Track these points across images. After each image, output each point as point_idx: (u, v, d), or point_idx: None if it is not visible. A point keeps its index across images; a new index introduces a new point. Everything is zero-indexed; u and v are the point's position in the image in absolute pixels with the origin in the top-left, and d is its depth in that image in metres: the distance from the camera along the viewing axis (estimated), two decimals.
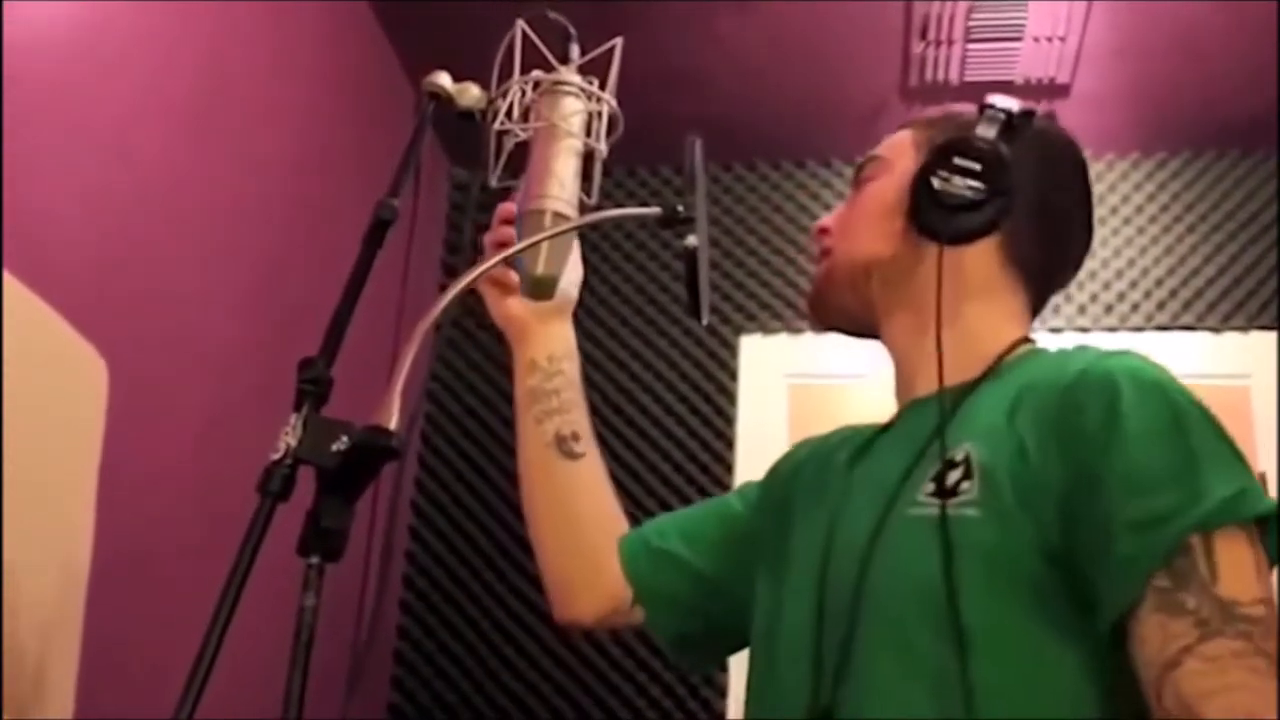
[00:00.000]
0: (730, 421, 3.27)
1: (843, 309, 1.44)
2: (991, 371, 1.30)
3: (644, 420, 3.30)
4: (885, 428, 1.41)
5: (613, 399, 3.32)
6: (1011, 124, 1.36)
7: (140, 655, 1.97)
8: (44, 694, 1.65)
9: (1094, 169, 3.39)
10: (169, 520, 2.09)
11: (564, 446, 1.52)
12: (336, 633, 2.80)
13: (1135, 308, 3.26)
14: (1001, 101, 1.37)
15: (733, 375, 3.32)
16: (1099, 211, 3.33)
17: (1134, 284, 3.28)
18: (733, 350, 3.34)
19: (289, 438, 1.10)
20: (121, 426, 1.86)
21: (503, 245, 1.45)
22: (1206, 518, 1.09)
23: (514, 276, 1.49)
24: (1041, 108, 1.41)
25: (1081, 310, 3.27)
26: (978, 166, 1.32)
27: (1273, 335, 3.17)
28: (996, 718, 1.11)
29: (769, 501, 1.49)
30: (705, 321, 1.40)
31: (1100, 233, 3.33)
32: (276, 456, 1.09)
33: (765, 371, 3.28)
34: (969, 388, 1.29)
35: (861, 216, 1.42)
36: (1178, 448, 1.13)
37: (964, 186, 1.32)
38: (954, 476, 1.20)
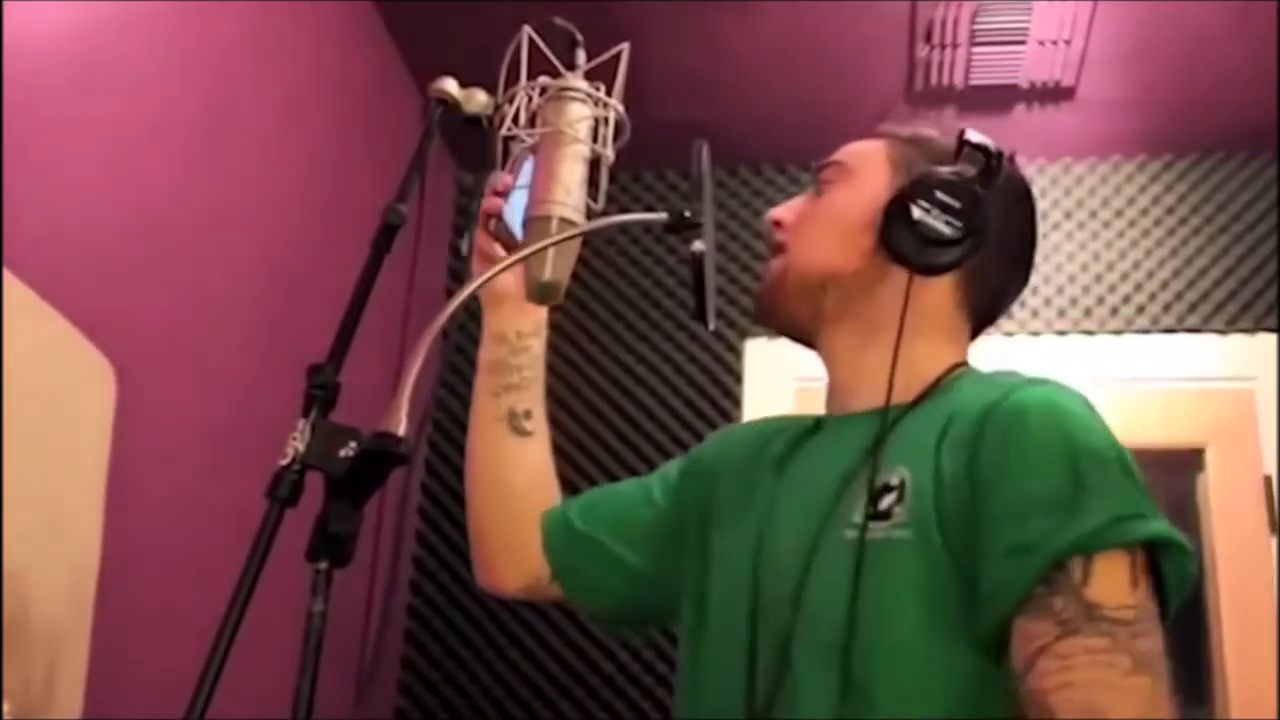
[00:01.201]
0: None
1: (791, 314, 1.44)
2: (927, 395, 1.33)
3: (650, 424, 3.31)
4: (815, 429, 1.43)
5: (619, 403, 3.32)
6: (990, 165, 1.37)
7: (149, 659, 1.97)
8: (53, 696, 1.66)
9: (1099, 171, 3.39)
10: (177, 525, 2.09)
11: (515, 423, 1.54)
12: (344, 638, 2.80)
13: (1141, 310, 3.26)
14: (979, 139, 1.39)
15: (738, 379, 3.32)
16: (1104, 215, 3.35)
17: (1139, 286, 3.28)
18: (738, 354, 3.34)
19: (297, 443, 1.10)
20: (130, 432, 1.86)
21: (490, 215, 1.49)
22: (1081, 541, 1.13)
23: (499, 249, 1.50)
24: (1010, 153, 1.44)
25: (1087, 313, 3.27)
26: (958, 205, 1.33)
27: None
28: None
29: (691, 490, 1.51)
30: (712, 326, 1.41)
31: (1105, 235, 3.34)
32: (285, 462, 1.09)
33: (771, 375, 3.28)
34: (905, 410, 1.31)
35: (827, 225, 1.43)
36: (1063, 477, 1.16)
37: (943, 221, 1.33)
38: (888, 500, 1.24)
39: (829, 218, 1.43)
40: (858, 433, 1.32)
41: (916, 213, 1.33)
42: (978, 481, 1.19)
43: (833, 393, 1.43)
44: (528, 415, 1.54)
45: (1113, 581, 1.13)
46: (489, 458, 1.56)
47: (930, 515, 1.20)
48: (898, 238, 1.34)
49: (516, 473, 1.55)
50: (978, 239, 1.33)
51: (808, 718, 1.20)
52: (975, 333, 1.45)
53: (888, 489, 1.24)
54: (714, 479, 1.49)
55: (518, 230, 1.42)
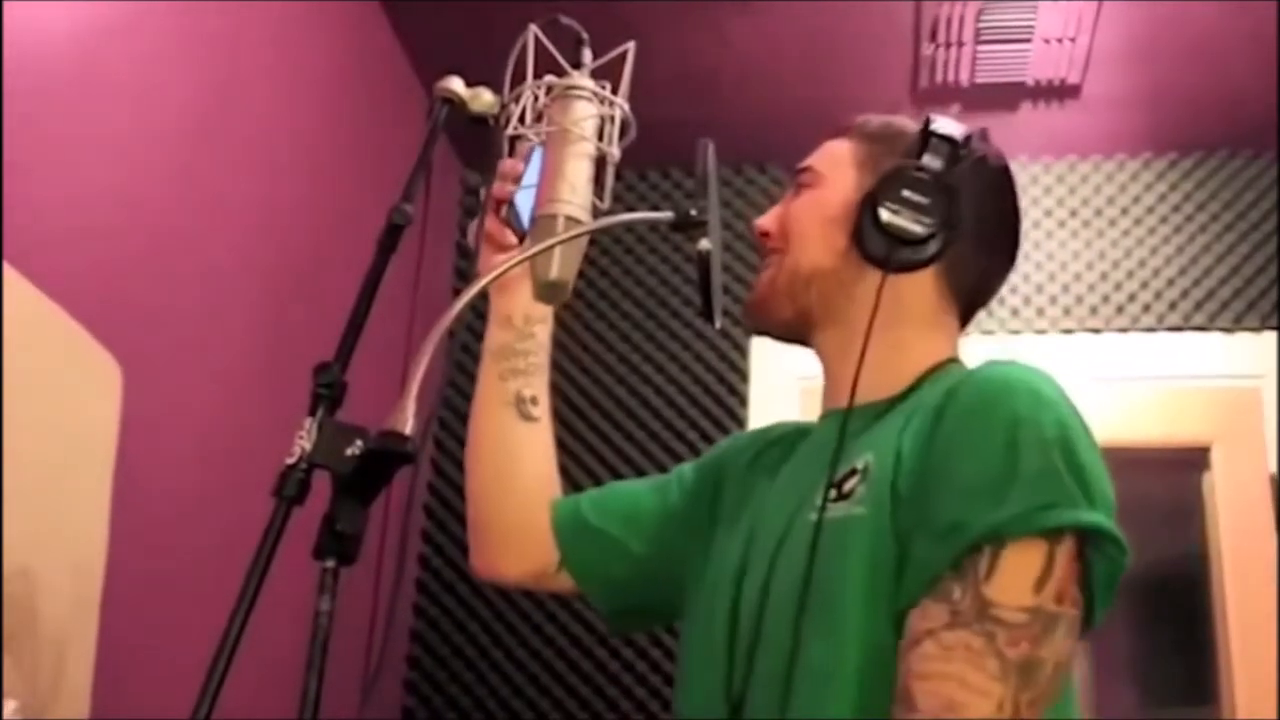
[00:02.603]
0: (742, 424, 3.27)
1: (780, 318, 1.45)
2: (912, 390, 1.34)
3: (656, 423, 3.31)
4: (810, 431, 1.45)
5: (625, 402, 3.32)
6: (957, 153, 1.37)
7: (156, 658, 1.97)
8: (59, 695, 1.66)
9: (1104, 169, 3.39)
10: (184, 524, 2.10)
11: (522, 408, 1.54)
12: (350, 636, 2.80)
13: (1147, 308, 3.26)
14: (945, 127, 1.38)
15: (744, 377, 3.32)
16: (1109, 213, 3.34)
17: (1145, 284, 3.28)
18: (744, 352, 3.34)
19: (304, 442, 1.10)
20: (136, 430, 1.87)
21: (501, 201, 1.49)
22: (993, 528, 1.13)
23: (508, 235, 1.50)
24: (981, 130, 1.43)
25: (1093, 311, 3.27)
26: (926, 201, 1.33)
27: None
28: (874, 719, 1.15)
29: (702, 492, 1.52)
30: (718, 324, 1.42)
31: (1111, 234, 3.34)
32: (291, 461, 1.09)
33: (776, 373, 3.28)
34: (887, 404, 1.32)
35: (806, 224, 1.43)
36: (997, 461, 1.16)
37: (912, 219, 1.33)
38: (852, 482, 1.25)
39: (807, 217, 1.43)
40: (833, 427, 1.33)
41: (885, 214, 1.33)
42: (929, 461, 1.20)
43: (826, 390, 1.44)
44: (534, 401, 1.54)
45: (1016, 578, 1.13)
46: (494, 442, 1.55)
47: (886, 494, 1.21)
48: (869, 240, 1.35)
49: (522, 458, 1.55)
50: (951, 232, 1.33)
51: (771, 693, 1.21)
52: (965, 318, 1.44)
53: (853, 472, 1.25)
54: (721, 483, 1.50)
55: (525, 220, 1.42)
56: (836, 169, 1.43)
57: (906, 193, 1.33)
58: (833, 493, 1.25)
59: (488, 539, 1.57)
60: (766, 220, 1.49)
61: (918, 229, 1.32)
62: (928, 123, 1.38)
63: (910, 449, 1.22)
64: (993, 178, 1.43)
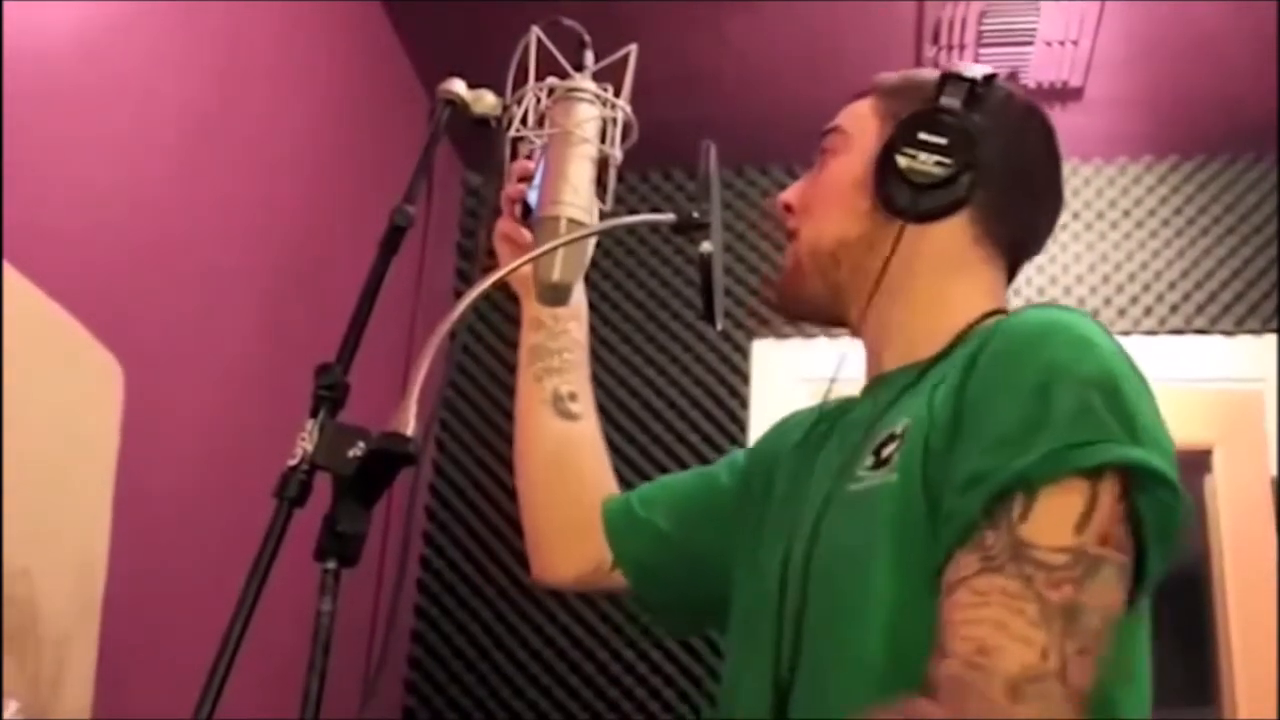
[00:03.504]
0: (743, 426, 3.27)
1: (812, 298, 1.39)
2: (956, 344, 1.26)
3: (657, 425, 3.31)
4: (855, 404, 1.38)
5: (626, 404, 3.32)
6: (975, 92, 1.32)
7: (157, 658, 1.97)
8: (61, 696, 1.66)
9: (1106, 173, 3.39)
10: (186, 525, 2.10)
11: (561, 406, 1.52)
12: (352, 637, 2.80)
13: (1148, 311, 3.26)
14: (959, 69, 1.34)
15: (745, 379, 3.32)
16: (1111, 215, 3.34)
17: (1147, 287, 3.28)
18: (745, 354, 3.34)
19: (306, 443, 1.10)
20: (138, 431, 1.87)
21: (515, 200, 1.48)
22: (1022, 473, 1.06)
23: (527, 235, 1.49)
24: (1010, 76, 1.38)
25: (1094, 315, 3.26)
26: (944, 141, 1.29)
27: None
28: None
29: (754, 477, 1.47)
30: (719, 326, 1.40)
31: (1113, 237, 3.33)
32: (293, 462, 1.09)
33: (778, 375, 3.28)
34: (931, 362, 1.25)
35: (827, 196, 1.39)
36: (1032, 405, 1.09)
37: (931, 163, 1.28)
38: (890, 448, 1.19)
39: (828, 188, 1.39)
40: (886, 391, 1.28)
41: (903, 161, 1.29)
42: (960, 414, 1.13)
43: (869, 361, 1.38)
44: (573, 397, 1.52)
45: (1054, 519, 1.05)
46: (539, 446, 1.53)
47: (919, 455, 1.15)
48: (891, 191, 1.31)
49: (569, 457, 1.53)
50: (975, 172, 1.29)
51: (815, 680, 1.16)
52: (1017, 260, 1.38)
53: (891, 438, 1.20)
54: (773, 467, 1.44)
55: None
56: (860, 125, 1.39)
57: (924, 135, 1.29)
58: (871, 460, 1.20)
59: (541, 542, 1.54)
60: (789, 193, 1.44)
61: (937, 170, 1.28)
62: (945, 68, 1.35)
63: (942, 402, 1.16)
64: (1020, 115, 1.37)
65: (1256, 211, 3.30)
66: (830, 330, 3.20)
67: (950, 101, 1.32)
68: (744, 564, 1.39)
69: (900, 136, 1.31)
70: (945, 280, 1.33)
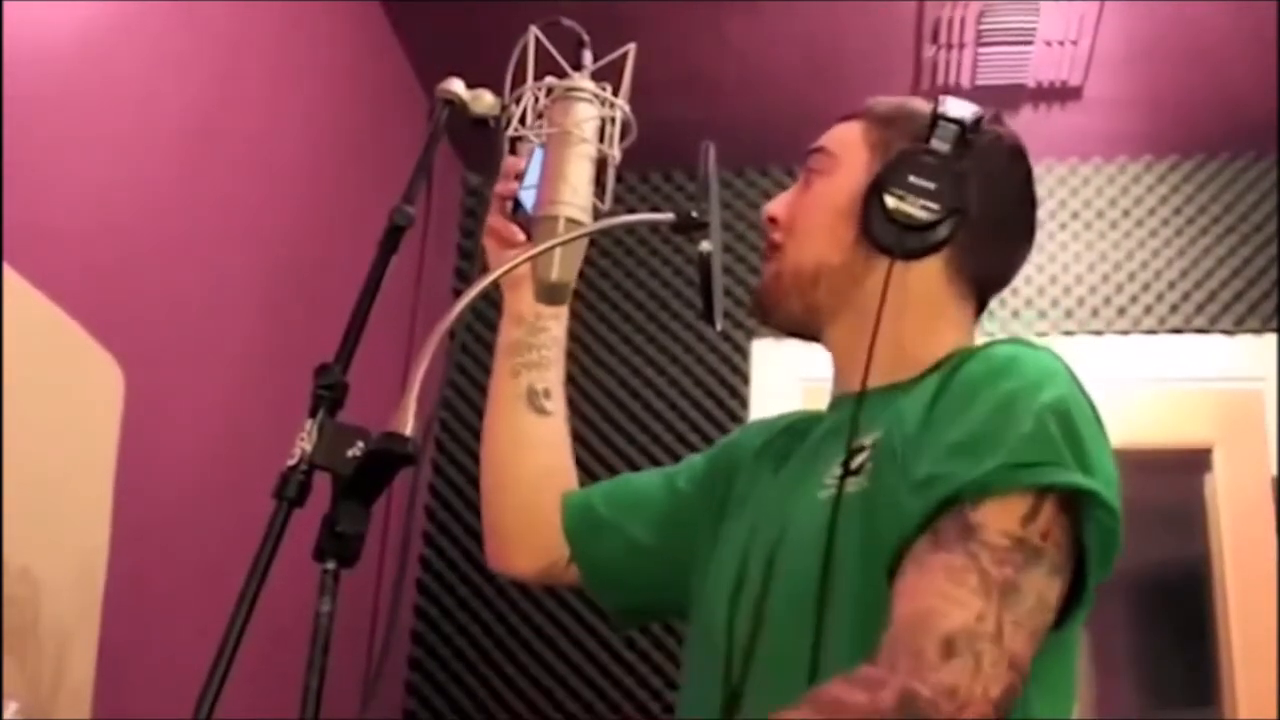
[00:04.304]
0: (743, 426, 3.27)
1: (788, 312, 1.43)
2: (927, 375, 1.30)
3: (657, 425, 3.31)
4: (818, 421, 1.43)
5: (625, 404, 3.32)
6: (965, 137, 1.35)
7: (157, 659, 1.98)
8: (61, 695, 1.66)
9: (1106, 172, 3.39)
10: (185, 526, 2.10)
11: (535, 401, 1.53)
12: (351, 637, 2.80)
13: (1148, 310, 3.26)
14: (955, 110, 1.36)
15: (745, 379, 3.32)
16: (1110, 215, 3.34)
17: (1147, 287, 3.28)
18: (745, 354, 3.34)
19: (305, 443, 1.10)
20: (137, 432, 1.87)
21: (505, 197, 1.49)
22: (979, 479, 1.12)
23: (515, 231, 1.50)
24: (994, 112, 1.41)
25: (1094, 314, 3.27)
26: (933, 186, 1.31)
27: None
28: None
29: (712, 482, 1.51)
30: (718, 326, 1.41)
31: (1112, 236, 3.34)
32: (292, 462, 1.09)
33: (777, 375, 3.28)
34: (900, 388, 1.30)
35: (812, 219, 1.41)
36: (988, 423, 1.15)
37: (919, 206, 1.31)
38: (860, 458, 1.24)
39: (814, 211, 1.41)
40: (847, 409, 1.31)
41: (891, 201, 1.32)
42: (925, 425, 1.20)
43: (836, 379, 1.43)
44: (547, 394, 1.54)
45: (1001, 513, 1.11)
46: (507, 436, 1.55)
47: (884, 466, 1.20)
48: (876, 227, 1.33)
49: (536, 453, 1.54)
50: (960, 217, 1.31)
51: (770, 679, 1.20)
52: (981, 304, 1.42)
53: (862, 449, 1.25)
54: (732, 473, 1.49)
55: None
56: (849, 151, 1.41)
57: (913, 178, 1.32)
58: (839, 470, 1.24)
59: (501, 532, 1.57)
60: (776, 207, 1.46)
61: (924, 215, 1.31)
62: (937, 105, 1.37)
63: (912, 419, 1.22)
64: (1005, 160, 1.40)
65: (1256, 210, 3.30)
66: None
67: (941, 145, 1.34)
68: (700, 572, 1.42)
69: (890, 176, 1.34)
70: (919, 315, 1.36)
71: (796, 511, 1.28)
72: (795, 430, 1.46)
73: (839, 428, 1.30)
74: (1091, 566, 1.16)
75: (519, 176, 1.47)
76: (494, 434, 1.56)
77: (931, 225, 1.31)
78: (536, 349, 1.54)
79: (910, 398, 1.26)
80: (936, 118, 1.36)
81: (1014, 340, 1.27)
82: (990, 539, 1.10)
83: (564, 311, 1.56)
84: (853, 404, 1.31)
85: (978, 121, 1.36)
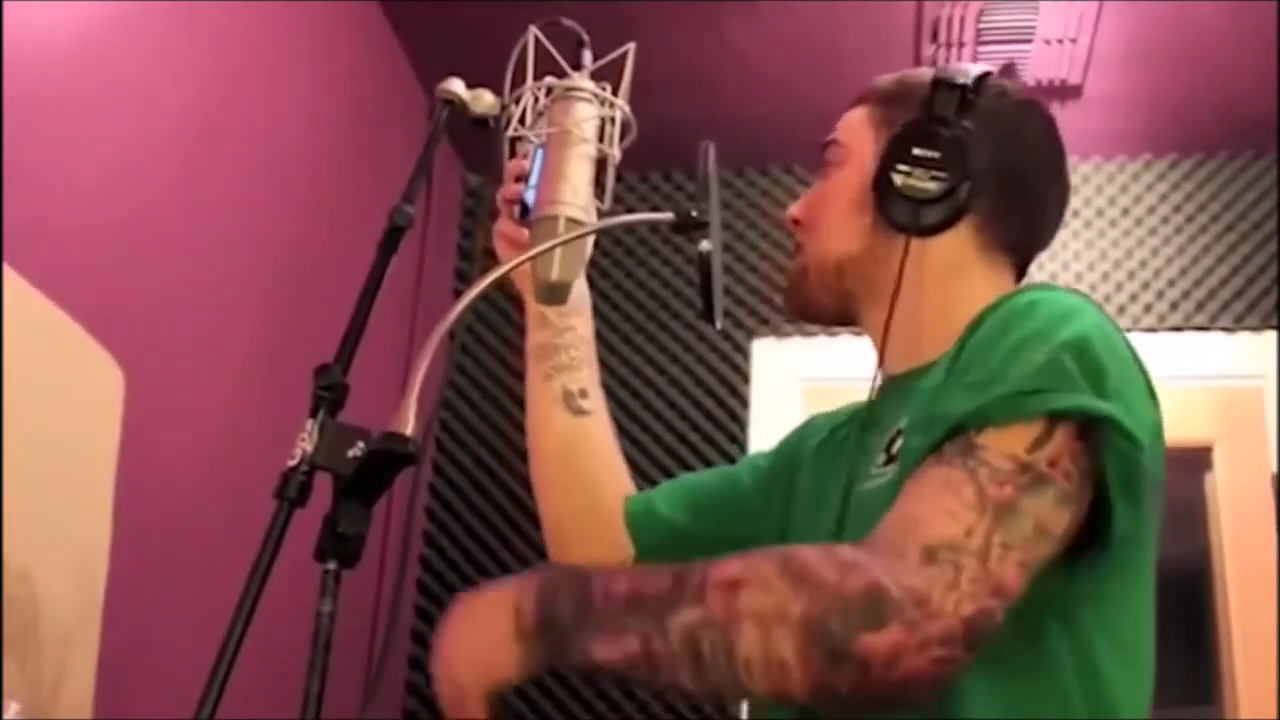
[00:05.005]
0: (743, 426, 3.27)
1: (819, 305, 1.41)
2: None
3: (658, 425, 3.31)
4: (868, 410, 1.37)
5: (626, 403, 3.32)
6: (967, 97, 1.31)
7: (158, 660, 1.98)
8: (62, 696, 1.66)
9: (1105, 170, 3.39)
10: (186, 526, 2.10)
11: (571, 403, 1.52)
12: (352, 637, 2.80)
13: (1148, 309, 3.26)
14: (952, 73, 1.33)
15: (745, 379, 3.32)
16: (1110, 213, 3.34)
17: (1146, 285, 3.28)
18: (745, 354, 3.34)
19: (305, 444, 1.10)
20: (138, 433, 1.87)
21: (511, 201, 1.47)
22: (981, 408, 1.08)
23: (524, 233, 1.49)
24: (1004, 72, 1.37)
25: None
26: (937, 155, 1.28)
27: None
28: None
29: (777, 480, 1.48)
30: (719, 326, 1.40)
31: (1112, 234, 3.34)
32: (293, 463, 1.09)
33: (778, 375, 3.28)
34: (935, 365, 1.26)
35: (829, 213, 1.39)
36: (1001, 359, 1.11)
37: (926, 178, 1.28)
38: (898, 444, 1.21)
39: (830, 204, 1.39)
40: (897, 393, 1.30)
41: (899, 179, 1.29)
42: (943, 386, 1.16)
43: (879, 361, 1.39)
44: (583, 394, 1.53)
45: (1008, 438, 1.07)
46: (552, 445, 1.53)
47: (912, 447, 1.16)
48: (891, 208, 1.31)
49: (583, 454, 1.53)
50: (972, 181, 1.28)
51: None
52: (1027, 258, 1.38)
53: (900, 434, 1.22)
54: (795, 470, 1.46)
55: None
56: (857, 137, 1.39)
57: (917, 150, 1.29)
58: (883, 457, 1.22)
59: (563, 539, 1.54)
60: (796, 208, 1.44)
61: (933, 186, 1.28)
62: (935, 75, 1.34)
63: (932, 388, 1.19)
64: (1013, 114, 1.36)
65: (1255, 209, 3.30)
66: (831, 330, 3.22)
67: (942, 108, 1.31)
68: None
69: (894, 153, 1.31)
70: (952, 287, 1.33)
71: (849, 505, 1.24)
72: (855, 421, 1.41)
73: (881, 418, 1.29)
74: (1116, 498, 1.09)
75: (523, 179, 1.47)
76: (538, 440, 1.54)
77: (944, 196, 1.28)
78: (565, 350, 1.53)
79: (937, 368, 1.23)
80: (936, 84, 1.33)
81: (1039, 285, 1.23)
82: (991, 459, 1.06)
83: (586, 309, 1.55)
84: (893, 389, 1.29)
85: (981, 80, 1.33)
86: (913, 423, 1.20)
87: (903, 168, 1.30)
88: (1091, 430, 1.09)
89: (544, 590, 1.09)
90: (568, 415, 1.52)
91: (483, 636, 1.11)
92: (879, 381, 1.36)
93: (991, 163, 1.30)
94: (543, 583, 1.10)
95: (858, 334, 1.43)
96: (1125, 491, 1.10)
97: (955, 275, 1.33)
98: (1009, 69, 1.38)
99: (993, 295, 1.31)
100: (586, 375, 1.54)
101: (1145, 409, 1.15)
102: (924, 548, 1.02)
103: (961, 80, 1.32)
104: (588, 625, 1.06)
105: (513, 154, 1.47)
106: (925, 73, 1.39)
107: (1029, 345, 1.11)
